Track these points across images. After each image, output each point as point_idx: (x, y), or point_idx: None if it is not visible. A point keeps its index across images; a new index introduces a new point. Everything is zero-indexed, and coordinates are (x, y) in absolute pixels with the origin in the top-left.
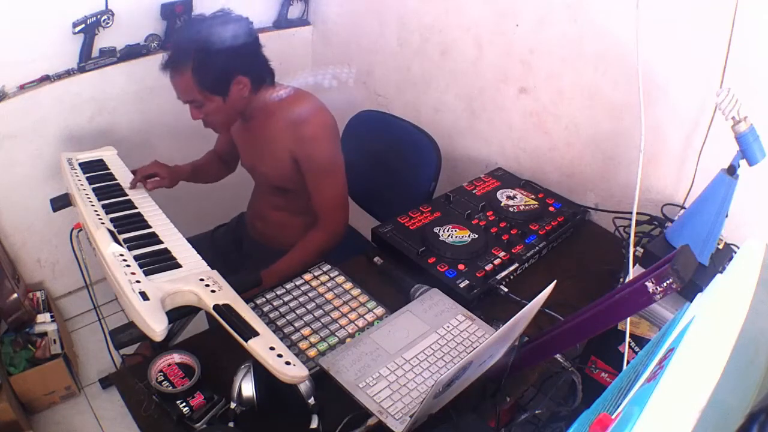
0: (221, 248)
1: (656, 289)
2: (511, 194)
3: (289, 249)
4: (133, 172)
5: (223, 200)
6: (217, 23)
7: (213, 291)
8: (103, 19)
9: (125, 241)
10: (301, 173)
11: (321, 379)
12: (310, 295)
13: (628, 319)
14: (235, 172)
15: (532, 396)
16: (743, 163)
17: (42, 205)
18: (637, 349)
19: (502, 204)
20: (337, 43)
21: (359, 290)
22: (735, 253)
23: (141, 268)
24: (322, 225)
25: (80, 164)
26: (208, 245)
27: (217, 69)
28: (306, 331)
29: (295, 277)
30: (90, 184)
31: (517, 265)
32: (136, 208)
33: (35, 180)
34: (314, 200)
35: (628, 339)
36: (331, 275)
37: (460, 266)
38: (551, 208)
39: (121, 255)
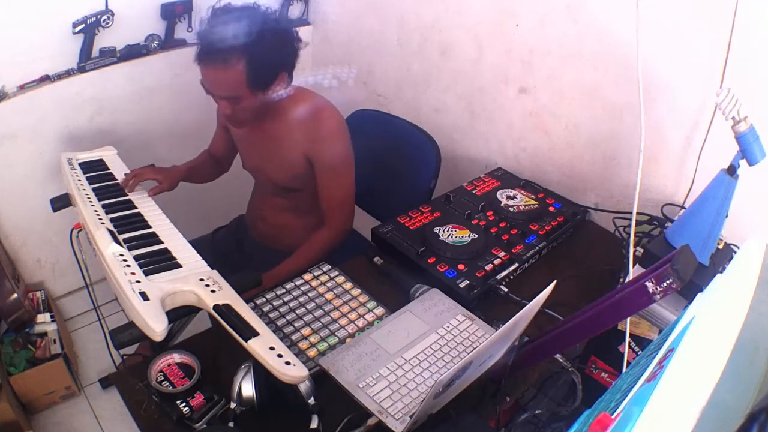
0: (222, 250)
1: (656, 289)
2: (511, 194)
3: (292, 249)
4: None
5: (222, 201)
6: (262, 16)
7: (213, 291)
8: (103, 19)
9: (125, 241)
10: (311, 172)
11: (321, 379)
12: (310, 295)
13: (628, 319)
14: (234, 174)
15: (532, 396)
16: (743, 163)
17: (42, 205)
18: (637, 349)
19: (502, 204)
20: (337, 43)
21: (359, 290)
22: (735, 253)
23: (141, 268)
24: (330, 223)
25: (80, 164)
26: (208, 247)
27: (270, 64)
28: (306, 331)
29: (295, 277)
30: (90, 184)
31: (517, 265)
32: (136, 208)
33: (35, 180)
34: (324, 198)
35: (628, 339)
36: (331, 275)
37: (460, 266)
38: (551, 208)
39: (121, 255)
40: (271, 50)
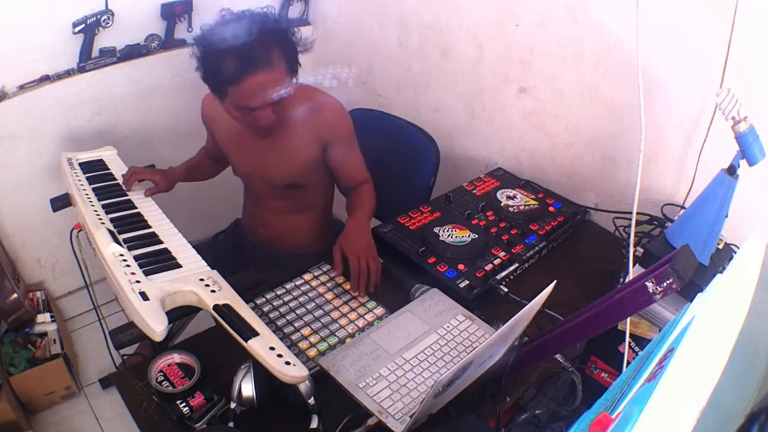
0: (222, 253)
1: (656, 289)
2: (511, 194)
3: (295, 251)
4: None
5: (223, 203)
6: (257, 15)
7: (213, 291)
8: (103, 19)
9: (125, 241)
10: (321, 161)
11: (321, 379)
12: (310, 295)
13: (628, 319)
14: (234, 175)
15: (532, 396)
16: (743, 163)
17: (42, 205)
18: (637, 349)
19: (502, 204)
20: (337, 42)
21: None
22: (735, 253)
23: (141, 268)
24: (362, 182)
25: (80, 164)
26: (208, 252)
27: (294, 46)
28: (306, 331)
29: None
30: (90, 184)
31: (517, 265)
32: (136, 208)
33: (35, 180)
34: (347, 173)
35: (628, 339)
36: (331, 275)
37: (460, 266)
38: (551, 208)
39: (121, 255)
40: (289, 34)
